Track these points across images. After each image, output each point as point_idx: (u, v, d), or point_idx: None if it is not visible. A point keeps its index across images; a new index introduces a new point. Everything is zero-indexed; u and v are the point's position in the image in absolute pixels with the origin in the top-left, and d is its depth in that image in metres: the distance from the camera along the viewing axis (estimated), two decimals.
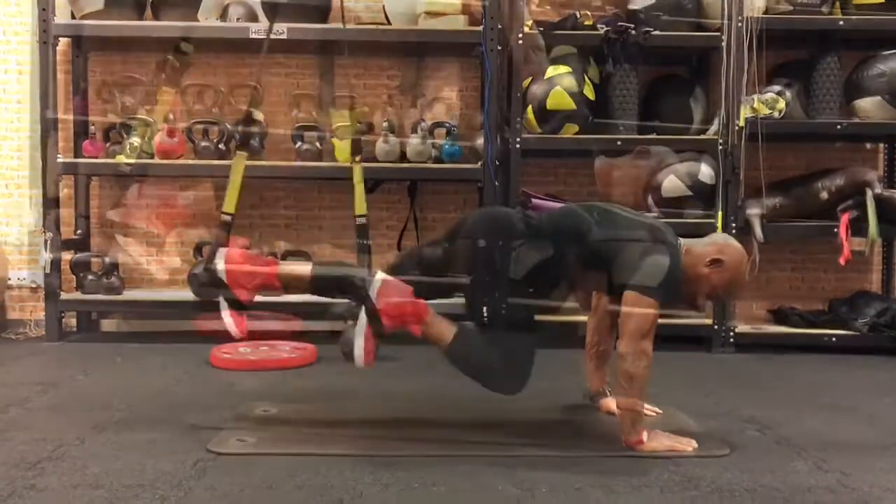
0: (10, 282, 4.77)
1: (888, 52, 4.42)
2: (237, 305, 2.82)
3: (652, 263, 2.67)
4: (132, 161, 4.18)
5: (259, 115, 4.51)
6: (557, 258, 2.74)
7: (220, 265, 2.79)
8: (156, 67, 4.14)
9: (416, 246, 4.45)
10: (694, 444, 2.72)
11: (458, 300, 2.87)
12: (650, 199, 4.39)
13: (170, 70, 4.10)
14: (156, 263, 4.55)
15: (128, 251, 3.22)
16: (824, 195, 4.43)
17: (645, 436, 2.70)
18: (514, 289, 2.71)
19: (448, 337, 2.73)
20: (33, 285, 4.77)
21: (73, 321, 4.75)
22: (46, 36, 4.39)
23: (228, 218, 3.05)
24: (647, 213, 4.02)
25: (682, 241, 2.83)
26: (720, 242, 2.86)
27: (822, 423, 3.07)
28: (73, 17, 4.53)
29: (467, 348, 2.74)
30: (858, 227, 4.33)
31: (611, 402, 3.00)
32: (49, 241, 4.38)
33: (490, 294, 2.73)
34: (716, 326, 4.37)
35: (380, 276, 2.71)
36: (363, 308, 2.67)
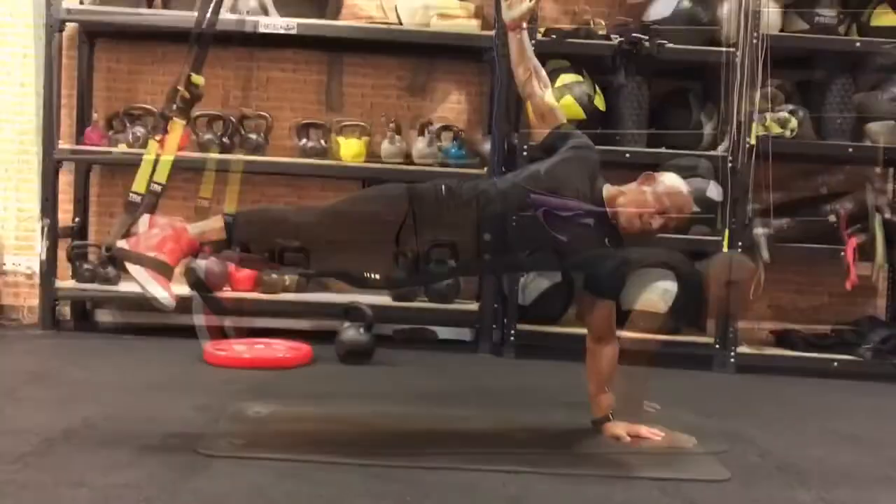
0: (4, 267, 4.70)
1: None
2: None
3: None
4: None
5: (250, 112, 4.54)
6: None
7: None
8: (166, 99, 4.11)
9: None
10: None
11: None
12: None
13: (180, 101, 4.05)
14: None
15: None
16: (832, 217, 4.36)
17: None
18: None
19: (219, 227, 2.75)
20: (28, 271, 4.69)
21: (67, 309, 4.67)
22: (52, 20, 4.31)
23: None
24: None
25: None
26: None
27: (825, 449, 3.01)
28: (80, 2, 4.48)
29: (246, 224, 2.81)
30: (866, 252, 4.27)
31: (616, 427, 2.91)
32: (46, 229, 4.33)
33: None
34: (717, 347, 4.31)
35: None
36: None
